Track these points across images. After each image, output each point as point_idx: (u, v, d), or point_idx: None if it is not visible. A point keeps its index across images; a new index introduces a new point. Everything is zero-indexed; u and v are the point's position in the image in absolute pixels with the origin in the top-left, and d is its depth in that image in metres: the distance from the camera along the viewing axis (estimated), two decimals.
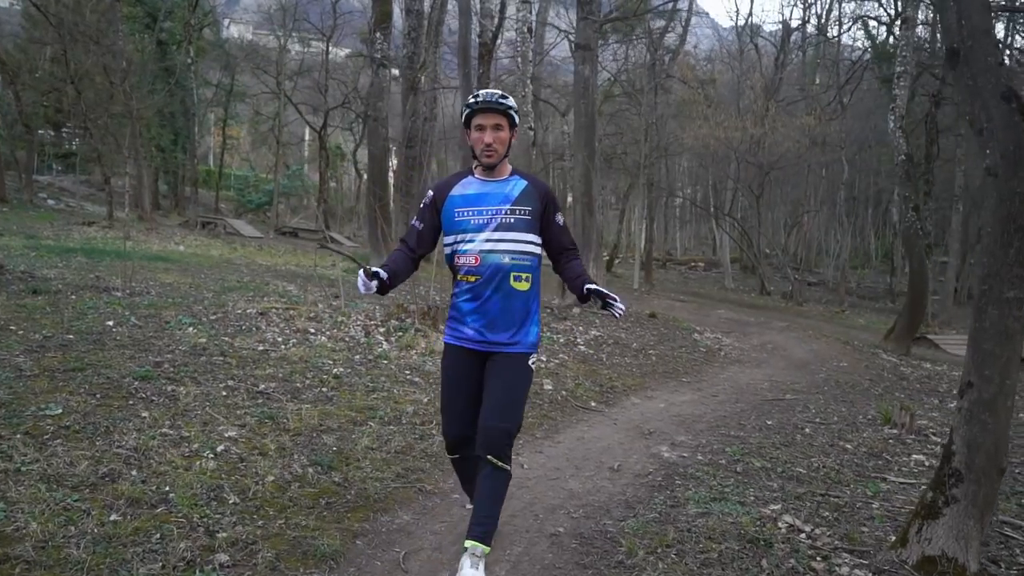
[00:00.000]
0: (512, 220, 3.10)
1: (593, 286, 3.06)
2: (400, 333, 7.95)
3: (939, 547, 3.23)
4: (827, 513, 4.06)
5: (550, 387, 6.71)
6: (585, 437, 5.40)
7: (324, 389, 5.59)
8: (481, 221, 3.10)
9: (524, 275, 3.12)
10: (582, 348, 9.06)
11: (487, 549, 3.01)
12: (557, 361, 8.00)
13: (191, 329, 7.14)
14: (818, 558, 3.35)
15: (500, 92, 3.15)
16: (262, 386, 5.41)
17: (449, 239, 3.17)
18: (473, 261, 3.08)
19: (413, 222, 3.29)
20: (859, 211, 38.84)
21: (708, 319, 15.81)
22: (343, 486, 3.76)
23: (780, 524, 3.73)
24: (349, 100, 32.68)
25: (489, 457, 3.02)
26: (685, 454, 5.13)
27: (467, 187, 3.18)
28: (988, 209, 3.14)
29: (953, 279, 23.50)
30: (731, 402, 7.17)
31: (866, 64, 29.76)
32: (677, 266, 38.99)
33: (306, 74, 35.24)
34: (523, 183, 3.17)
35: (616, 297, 2.98)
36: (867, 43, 31.22)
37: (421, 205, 3.29)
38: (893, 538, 3.75)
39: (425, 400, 5.62)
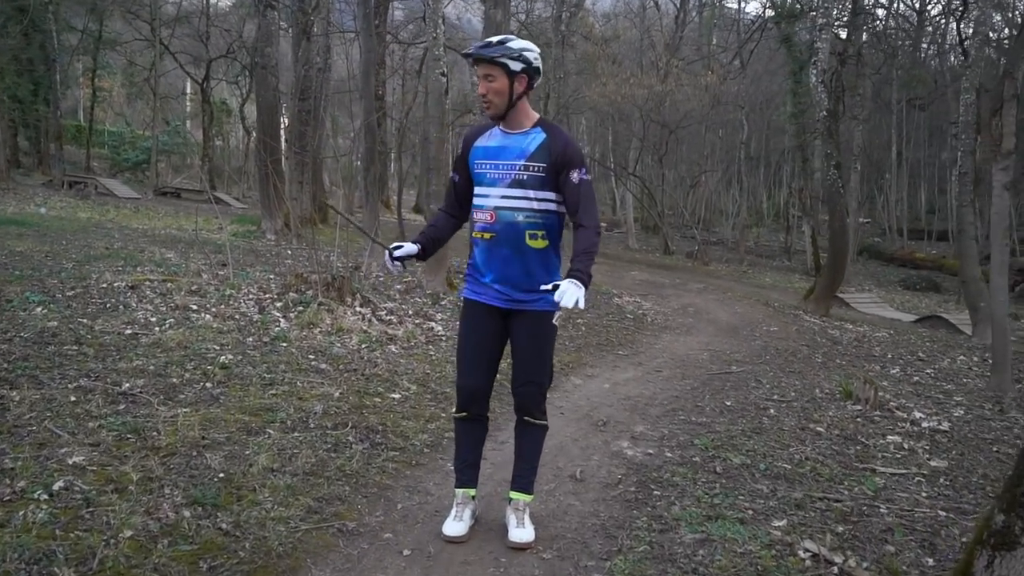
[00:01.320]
0: (525, 176, 2.93)
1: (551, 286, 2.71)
2: (300, 308, 6.85)
3: None
4: (839, 527, 3.35)
5: None
6: None
7: (208, 385, 4.51)
8: (496, 176, 2.97)
9: (540, 233, 2.97)
10: None
11: (531, 498, 3.15)
12: None
13: (39, 309, 5.86)
14: None
15: (497, 39, 2.90)
16: (126, 385, 4.28)
17: (473, 191, 3.06)
18: (488, 218, 2.97)
19: (452, 174, 3.17)
20: (753, 170, 39.41)
21: (623, 281, 15.27)
22: (233, 536, 2.75)
23: (801, 554, 2.98)
24: (234, 50, 30.27)
25: (526, 418, 3.13)
26: (651, 451, 4.35)
27: (491, 139, 3.02)
28: None
29: (851, 237, 23.91)
30: (678, 378, 6.48)
31: (765, 23, 29.79)
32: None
33: (185, 21, 32.34)
34: (542, 136, 2.95)
35: (560, 291, 2.60)
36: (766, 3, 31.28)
37: (458, 156, 3.15)
38: (931, 561, 3.08)
39: (336, 394, 4.61)
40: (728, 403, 5.62)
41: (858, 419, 5.43)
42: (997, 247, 6.81)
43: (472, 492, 3.14)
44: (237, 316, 6.45)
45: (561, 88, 21.78)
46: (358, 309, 7.16)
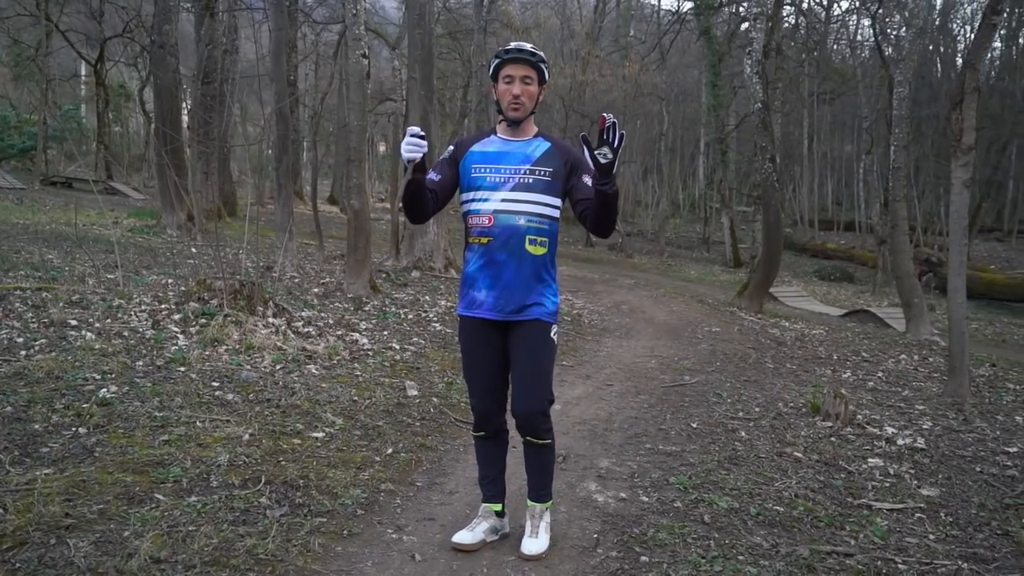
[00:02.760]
0: (531, 180, 2.92)
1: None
2: (203, 321, 5.95)
3: None
4: None
5: (415, 392, 5.09)
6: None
7: (82, 431, 3.64)
8: (498, 179, 2.93)
9: (540, 239, 2.94)
10: (437, 327, 7.48)
11: (548, 504, 3.14)
12: (413, 349, 6.36)
13: None
14: None
15: (531, 45, 2.94)
16: None
17: (465, 197, 2.99)
18: (487, 221, 2.92)
19: (430, 174, 2.96)
20: (671, 161, 39.66)
21: None
22: None
23: None
24: (131, 29, 28.20)
25: (529, 439, 3.05)
26: (623, 495, 3.73)
27: (488, 145, 3.01)
28: None
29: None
30: (632, 394, 5.90)
31: (683, 15, 29.81)
32: None
33: None
34: (546, 144, 2.99)
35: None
36: None
37: (440, 158, 3.07)
38: None
39: (246, 437, 3.81)
40: (693, 424, 5.07)
41: (832, 438, 4.97)
42: (956, 247, 6.50)
43: (496, 507, 3.14)
44: (126, 333, 5.51)
45: (483, 76, 21.01)
46: (271, 320, 6.30)
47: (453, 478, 3.79)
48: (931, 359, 8.71)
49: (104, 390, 4.22)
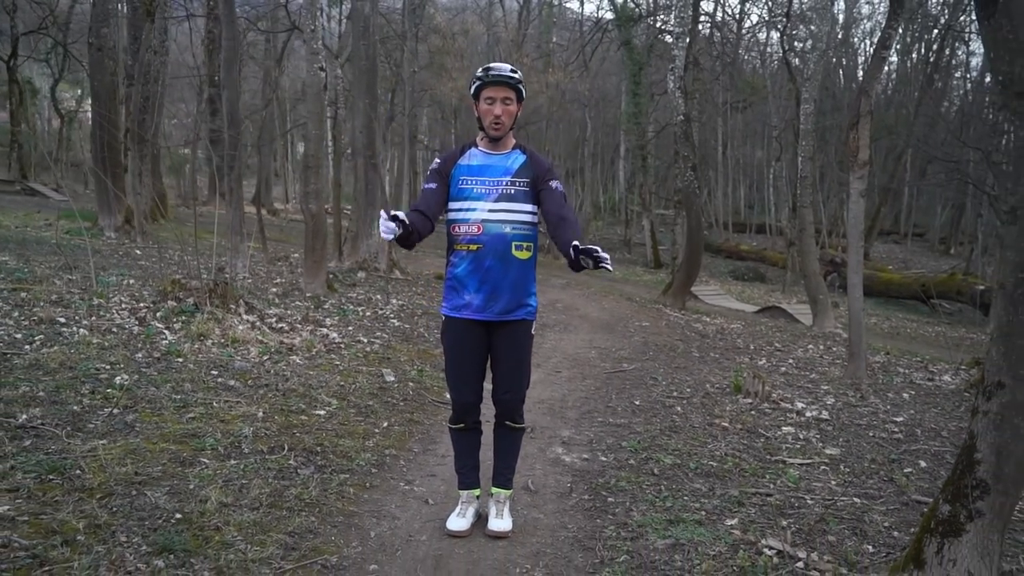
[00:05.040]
0: (512, 191, 3.17)
1: (579, 244, 2.82)
2: (183, 317, 6.39)
3: (964, 568, 2.84)
4: (783, 521, 3.60)
5: (392, 378, 5.70)
6: None
7: (115, 411, 4.12)
8: (483, 191, 3.16)
9: (525, 244, 3.20)
10: (396, 323, 8.06)
11: (510, 492, 3.43)
12: (380, 342, 6.95)
13: None
14: None
15: (511, 67, 3.14)
16: (23, 417, 3.82)
17: (453, 206, 3.20)
18: (476, 230, 3.13)
19: (425, 184, 3.24)
20: (593, 166, 40.90)
21: None
22: None
23: (767, 552, 3.18)
24: (47, 25, 27.49)
25: (507, 423, 3.35)
26: (586, 456, 4.46)
27: (472, 158, 3.23)
28: None
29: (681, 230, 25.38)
30: (579, 379, 6.65)
31: (605, 26, 30.94)
32: None
33: None
34: (523, 157, 3.24)
35: (601, 251, 2.74)
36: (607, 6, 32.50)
37: (430, 170, 3.29)
38: (871, 548, 3.38)
39: (260, 414, 4.36)
40: (636, 402, 5.84)
41: (752, 412, 5.82)
42: (854, 249, 7.51)
43: (476, 492, 3.42)
44: (115, 329, 5.92)
45: (412, 81, 21.54)
46: (245, 317, 6.78)
47: (442, 445, 4.44)
48: (834, 348, 9.79)
49: (118, 378, 4.68)
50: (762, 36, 35.46)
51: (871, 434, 5.55)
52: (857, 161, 7.23)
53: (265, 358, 5.71)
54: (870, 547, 3.37)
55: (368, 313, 8.32)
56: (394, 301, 9.47)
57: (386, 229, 2.80)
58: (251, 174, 35.88)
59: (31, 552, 2.55)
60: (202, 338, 5.94)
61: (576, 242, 2.79)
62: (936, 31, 31.78)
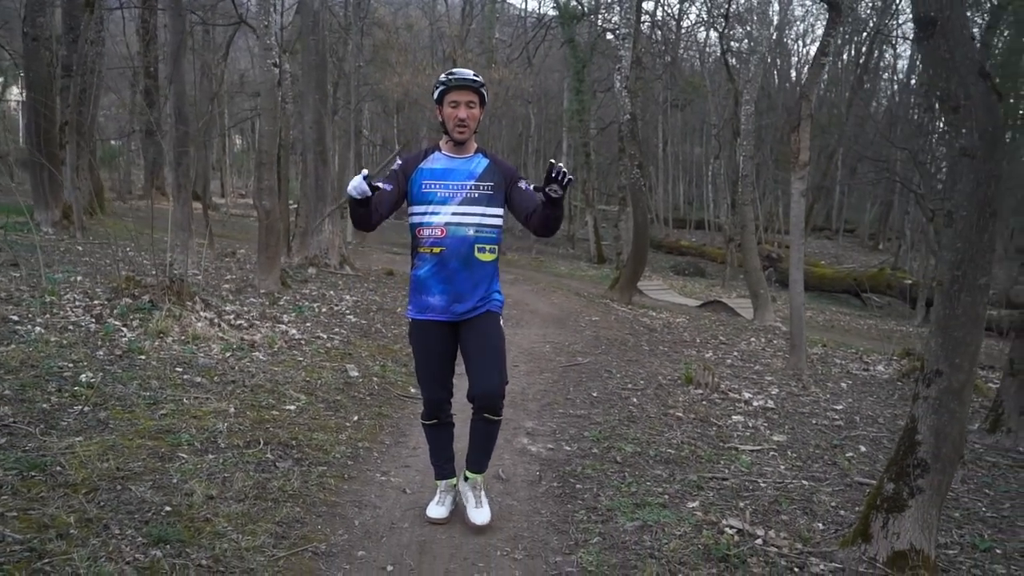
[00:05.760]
0: (476, 195, 3.22)
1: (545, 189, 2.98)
2: (139, 315, 6.34)
3: (907, 540, 3.11)
4: (740, 503, 3.84)
5: (356, 374, 5.78)
6: None
7: (85, 408, 4.12)
8: (447, 194, 3.20)
9: (488, 247, 3.25)
10: (352, 319, 8.11)
11: (483, 475, 3.46)
12: (339, 338, 7.00)
13: None
14: (795, 569, 3.08)
15: (473, 72, 3.22)
16: None
17: (416, 210, 3.23)
18: (439, 233, 3.18)
19: (380, 184, 3.17)
20: (536, 162, 41.21)
21: None
22: (219, 572, 2.63)
23: (728, 531, 3.40)
24: None
25: (486, 415, 3.30)
26: (550, 446, 4.64)
27: (435, 162, 3.26)
28: (962, 192, 3.00)
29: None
30: (536, 372, 6.84)
31: (549, 23, 31.21)
32: None
33: None
34: (486, 161, 3.30)
35: (558, 172, 2.91)
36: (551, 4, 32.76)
37: (389, 171, 3.29)
38: (821, 525, 3.64)
39: (232, 410, 4.41)
40: (594, 394, 6.06)
41: (704, 402, 6.09)
42: (795, 246, 7.87)
43: (453, 481, 3.51)
44: (71, 327, 5.85)
45: (357, 76, 21.41)
46: (202, 314, 6.76)
47: (412, 437, 4.56)
48: (775, 341, 10.20)
49: (83, 376, 4.66)
50: (701, 36, 36.24)
51: (814, 422, 5.88)
52: (798, 162, 7.58)
53: (228, 355, 5.73)
54: (820, 525, 3.64)
55: (324, 309, 8.35)
56: (347, 297, 9.51)
57: (358, 186, 2.85)
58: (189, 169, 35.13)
59: (27, 546, 2.60)
60: (162, 335, 5.92)
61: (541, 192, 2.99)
62: (865, 34, 32.99)
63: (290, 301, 8.51)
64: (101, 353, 5.28)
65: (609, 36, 28.74)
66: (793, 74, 40.65)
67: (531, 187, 3.28)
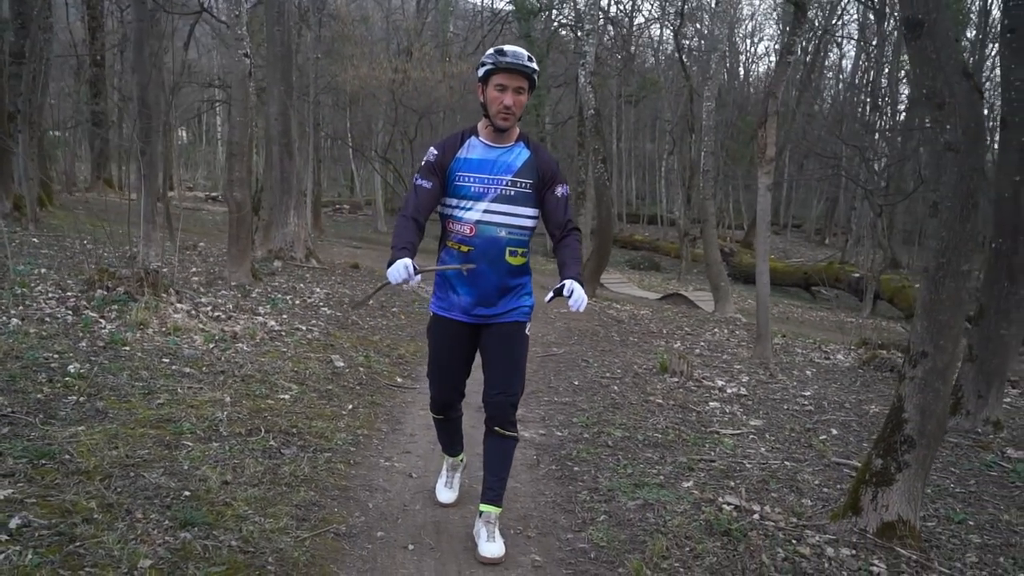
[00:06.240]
0: (512, 192, 2.96)
1: (561, 287, 2.78)
2: (115, 307, 6.26)
3: (895, 512, 3.31)
4: (731, 482, 4.02)
5: (342, 364, 5.82)
6: (430, 423, 4.70)
7: (80, 399, 4.10)
8: (480, 189, 2.94)
9: (520, 250, 3.00)
10: (327, 311, 8.11)
11: (500, 510, 3.11)
12: (318, 330, 7.01)
13: None
14: (793, 541, 3.25)
15: (527, 53, 2.87)
16: None
17: (448, 201, 2.99)
18: (468, 231, 2.93)
19: (419, 181, 2.95)
20: None
21: None
22: (250, 553, 2.68)
23: (726, 507, 3.56)
24: None
25: (497, 428, 3.09)
26: (543, 431, 4.77)
27: (472, 151, 2.98)
28: (947, 185, 3.20)
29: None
30: None
31: (505, 18, 31.27)
32: (321, 208, 37.80)
33: None
34: (527, 153, 3.01)
35: (575, 295, 2.75)
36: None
37: (424, 163, 2.99)
38: (808, 501, 3.83)
39: (228, 399, 4.42)
40: (575, 383, 6.19)
41: (680, 389, 6.28)
42: (762, 238, 8.13)
43: (461, 457, 3.51)
44: (48, 319, 5.76)
45: (315, 68, 21.17)
46: (179, 306, 6.71)
47: (408, 424, 4.64)
48: (737, 332, 10.50)
49: (71, 367, 4.61)
50: (656, 33, 36.72)
51: (785, 407, 6.11)
52: (765, 157, 7.83)
53: (211, 346, 5.71)
54: (808, 501, 3.83)
55: (298, 302, 8.32)
56: (318, 290, 9.48)
57: (407, 277, 2.64)
58: (132, 159, 34.33)
59: (55, 530, 2.62)
60: (142, 327, 5.87)
61: (564, 283, 2.75)
62: (812, 34, 33.82)
63: (262, 294, 8.46)
64: (84, 344, 5.22)
65: (563, 32, 29.03)
66: (741, 72, 41.54)
67: (565, 195, 3.02)
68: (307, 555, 2.74)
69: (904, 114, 27.09)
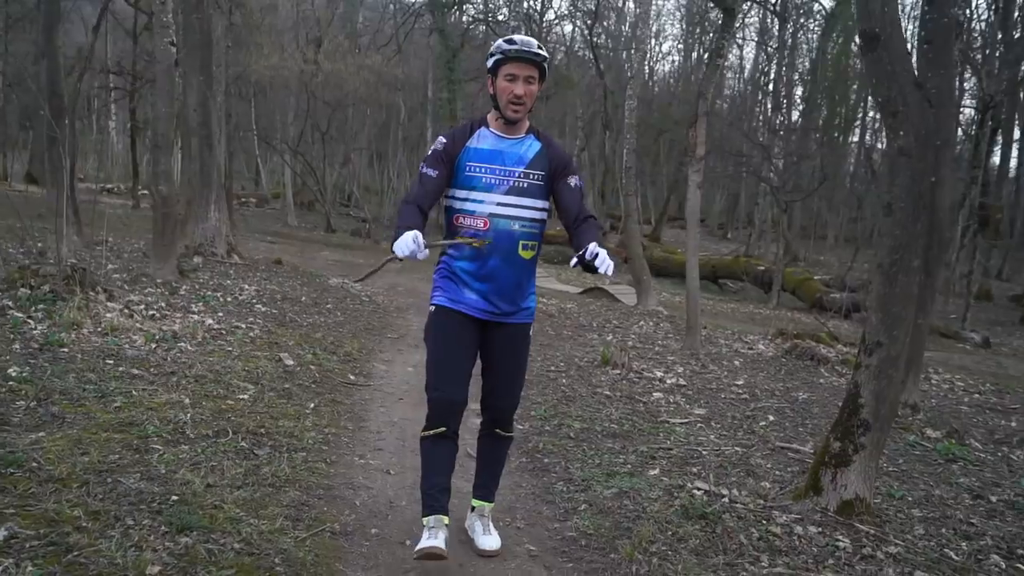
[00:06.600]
0: (525, 184, 2.89)
1: (584, 251, 2.67)
2: (41, 306, 5.96)
3: (853, 491, 3.56)
4: (693, 468, 4.20)
5: (292, 362, 5.73)
6: (395, 421, 4.74)
7: (30, 403, 3.90)
8: (493, 181, 2.87)
9: (532, 243, 2.94)
10: (263, 308, 7.93)
11: (493, 504, 3.18)
12: (257, 327, 6.86)
13: None
14: (763, 521, 3.45)
15: (537, 42, 2.81)
16: None
17: (457, 194, 2.89)
18: (482, 225, 2.85)
19: (425, 169, 2.86)
20: (404, 151, 40.89)
21: (316, 262, 15.29)
22: (254, 555, 2.65)
23: (697, 492, 3.74)
24: None
25: (498, 431, 3.13)
26: None
27: (482, 141, 2.90)
28: (900, 187, 3.45)
29: None
30: None
31: (419, 11, 31.04)
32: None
33: None
34: (537, 144, 2.95)
35: (601, 257, 2.64)
36: None
37: (431, 152, 2.90)
38: (767, 484, 4.05)
39: (187, 401, 4.30)
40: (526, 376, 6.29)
41: (624, 381, 6.48)
42: (692, 233, 8.45)
43: (446, 520, 2.86)
44: None
45: (226, 57, 20.46)
46: (110, 304, 6.43)
47: (372, 421, 4.64)
48: (663, 324, 10.85)
49: (10, 370, 4.37)
50: (567, 30, 37.19)
51: (723, 396, 6.40)
52: (695, 156, 8.13)
53: (154, 346, 5.51)
54: (767, 484, 4.05)
55: (229, 299, 8.10)
56: (247, 287, 9.24)
57: (415, 250, 2.56)
58: (23, 148, 32.31)
59: (47, 540, 2.52)
60: (76, 327, 5.61)
61: (588, 247, 2.66)
62: (711, 36, 34.99)
63: (191, 291, 8.19)
64: (17, 346, 4.96)
65: (476, 28, 29.09)
66: (647, 70, 42.62)
67: (580, 185, 2.98)
68: (311, 555, 2.73)
69: (800, 115, 28.50)
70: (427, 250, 2.61)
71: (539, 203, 2.92)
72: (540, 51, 2.78)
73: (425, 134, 38.01)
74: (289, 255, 15.49)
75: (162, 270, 8.40)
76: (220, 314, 7.19)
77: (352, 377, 5.68)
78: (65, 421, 3.73)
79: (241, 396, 4.62)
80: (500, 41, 2.84)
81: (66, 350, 5.04)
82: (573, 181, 2.95)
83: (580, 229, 2.87)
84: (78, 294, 6.00)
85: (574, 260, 2.73)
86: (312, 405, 4.71)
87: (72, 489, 2.96)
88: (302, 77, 24.16)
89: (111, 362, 4.93)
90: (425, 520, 2.85)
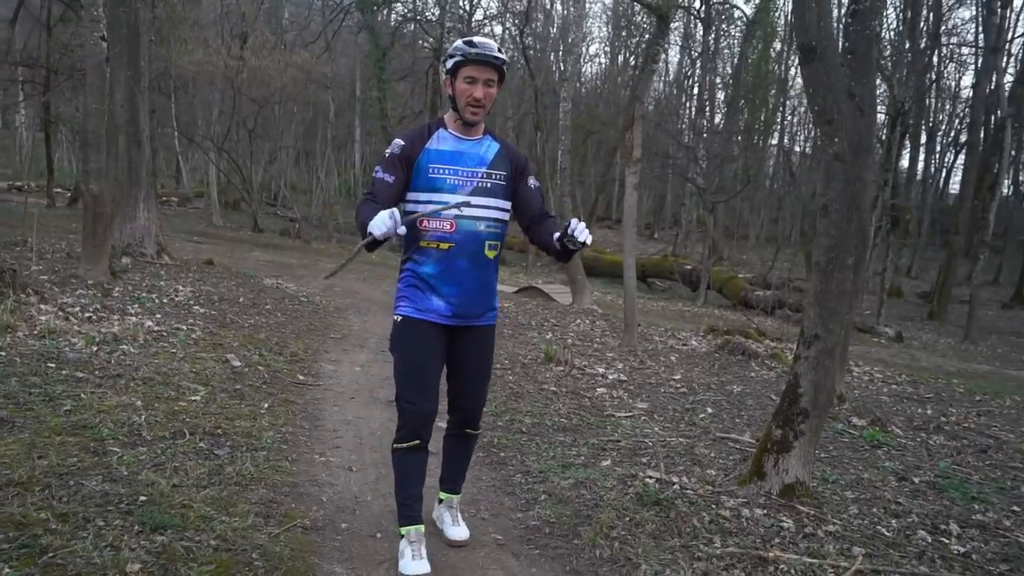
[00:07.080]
0: (488, 184, 2.89)
1: (567, 227, 2.74)
2: None
3: (794, 475, 3.80)
4: (641, 459, 4.39)
5: (239, 363, 5.68)
6: (349, 419, 4.77)
7: None
8: (457, 182, 2.84)
9: (495, 243, 2.93)
10: (201, 309, 7.80)
11: (460, 496, 3.27)
12: (199, 329, 6.75)
13: None
14: (713, 505, 3.64)
15: (496, 44, 2.82)
16: None
17: (420, 197, 2.83)
18: (448, 227, 2.81)
19: (379, 175, 2.81)
20: (339, 149, 40.31)
21: (247, 262, 15.01)
22: (231, 551, 2.68)
23: (649, 480, 3.91)
24: None
25: (468, 431, 3.19)
26: None
27: (442, 142, 2.88)
28: (835, 190, 3.70)
29: None
30: None
31: (347, 8, 30.71)
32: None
33: None
34: (496, 145, 2.97)
35: (580, 229, 2.70)
36: None
37: (387, 156, 2.85)
38: (712, 472, 4.27)
39: (138, 403, 4.25)
40: None
41: (568, 377, 6.65)
42: (629, 234, 8.69)
43: (422, 528, 2.92)
44: None
45: (149, 52, 19.82)
46: (43, 307, 6.25)
47: (327, 420, 4.66)
48: (599, 322, 11.10)
49: None
50: (497, 30, 37.32)
51: (662, 390, 6.64)
52: (632, 158, 8.38)
53: (95, 348, 5.39)
54: (712, 471, 4.26)
55: (165, 300, 7.94)
56: (182, 288, 9.05)
57: (393, 227, 2.49)
58: None
59: (18, 543, 2.50)
60: (10, 330, 5.44)
61: (570, 222, 2.72)
62: (637, 39, 35.77)
63: (125, 292, 7.99)
64: None
65: (412, 26, 29.00)
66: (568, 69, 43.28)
67: (538, 186, 3.05)
68: (287, 549, 2.78)
69: (723, 119, 29.42)
70: (404, 227, 2.56)
71: (503, 203, 2.92)
72: (500, 54, 2.78)
73: (353, 132, 37.61)
74: (219, 255, 15.15)
75: (93, 271, 8.17)
76: (158, 316, 7.05)
77: (301, 377, 5.67)
78: (15, 425, 3.66)
79: (193, 398, 4.58)
80: (460, 42, 2.81)
81: (3, 354, 4.89)
82: (532, 182, 3.03)
83: (544, 224, 2.96)
84: (10, 296, 5.82)
85: (557, 235, 2.79)
86: (266, 405, 4.70)
87: (35, 492, 2.93)
88: (227, 73, 23.62)
89: (53, 365, 4.82)
90: (405, 531, 2.88)
